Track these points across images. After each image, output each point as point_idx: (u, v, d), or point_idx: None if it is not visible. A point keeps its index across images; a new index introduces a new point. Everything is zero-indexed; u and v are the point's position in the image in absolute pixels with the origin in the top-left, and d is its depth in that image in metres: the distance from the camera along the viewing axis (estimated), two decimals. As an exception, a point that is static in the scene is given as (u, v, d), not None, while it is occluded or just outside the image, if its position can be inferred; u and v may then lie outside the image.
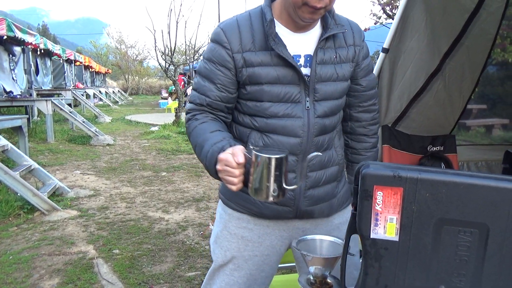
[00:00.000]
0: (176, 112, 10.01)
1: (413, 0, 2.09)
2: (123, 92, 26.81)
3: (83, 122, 8.18)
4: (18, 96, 7.96)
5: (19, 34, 8.22)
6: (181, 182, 5.07)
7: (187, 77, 17.55)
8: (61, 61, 14.44)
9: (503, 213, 0.64)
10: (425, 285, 0.70)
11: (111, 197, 4.34)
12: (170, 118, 11.23)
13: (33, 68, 10.73)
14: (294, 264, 1.54)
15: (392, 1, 5.22)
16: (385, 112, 2.45)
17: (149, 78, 33.13)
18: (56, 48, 12.91)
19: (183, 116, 10.61)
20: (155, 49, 9.84)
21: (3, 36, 7.79)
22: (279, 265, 1.36)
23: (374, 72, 2.11)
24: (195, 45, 10.75)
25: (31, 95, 9.58)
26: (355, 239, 0.76)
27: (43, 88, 11.93)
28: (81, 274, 2.52)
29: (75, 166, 5.84)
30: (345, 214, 1.30)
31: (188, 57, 12.35)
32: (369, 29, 5.25)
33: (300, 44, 1.15)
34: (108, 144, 7.74)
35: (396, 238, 0.69)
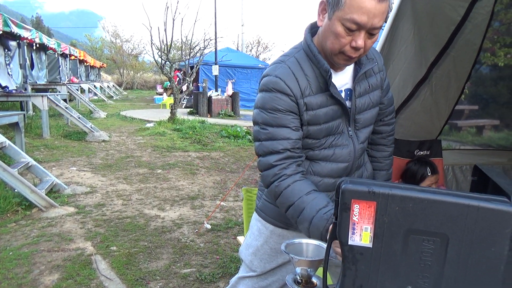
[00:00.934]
0: (171, 109, 10.05)
1: (402, 11, 2.19)
2: (117, 87, 26.75)
3: (79, 118, 8.21)
4: (14, 91, 7.97)
5: (15, 29, 8.22)
6: (176, 180, 5.16)
7: (182, 73, 17.58)
8: (56, 55, 14.40)
9: (460, 224, 0.75)
10: (394, 286, 0.80)
11: (107, 194, 4.42)
12: (165, 114, 11.27)
13: (28, 62, 10.72)
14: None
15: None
16: (374, 118, 2.55)
17: (144, 73, 33.07)
18: (51, 43, 12.88)
19: (178, 113, 10.67)
20: (151, 46, 9.85)
21: (-1, 31, 7.79)
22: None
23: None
24: (191, 42, 10.77)
25: (26, 89, 9.58)
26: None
27: (38, 82, 11.90)
28: (80, 270, 2.62)
29: (71, 163, 5.90)
30: None
31: (184, 53, 12.39)
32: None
33: (340, 80, 1.26)
34: (103, 140, 7.79)
35: (370, 245, 0.80)
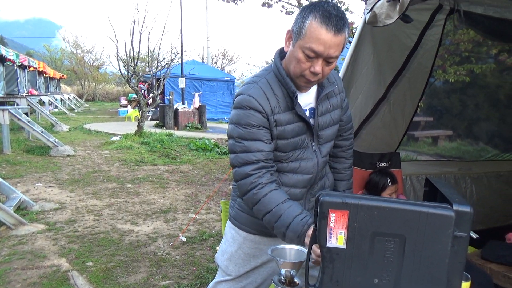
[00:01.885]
0: (138, 122, 9.98)
1: (362, 38, 2.44)
2: (78, 99, 25.99)
3: (42, 132, 8.00)
4: (-29, 105, 7.67)
5: (-27, 41, 7.92)
6: (147, 194, 5.18)
7: (146, 85, 17.41)
8: (15, 67, 13.90)
9: (414, 227, 0.94)
10: (364, 279, 0.98)
11: (77, 210, 4.38)
12: (131, 127, 11.15)
13: (-15, 74, 10.30)
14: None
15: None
16: (340, 133, 2.78)
17: (107, 84, 32.32)
18: (9, 54, 12.45)
19: (145, 126, 10.60)
20: (117, 59, 9.79)
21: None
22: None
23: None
24: (158, 55, 10.79)
25: (-17, 103, 9.21)
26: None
27: (-5, 95, 11.46)
28: (57, 286, 2.63)
29: (36, 178, 5.76)
30: None
31: (150, 66, 12.35)
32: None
33: (304, 100, 1.43)
34: (68, 155, 7.63)
35: (344, 246, 0.97)
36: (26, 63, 15.11)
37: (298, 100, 1.38)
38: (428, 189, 1.29)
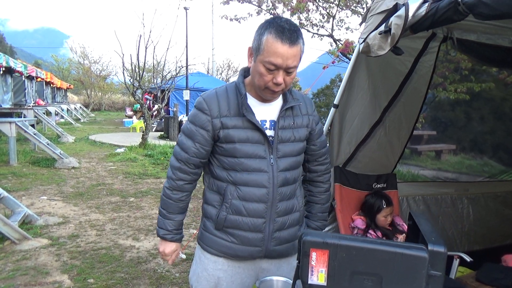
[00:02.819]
0: (143, 135, 10.10)
1: (357, 66, 2.52)
2: (84, 108, 26.31)
3: (48, 144, 8.13)
4: (-21, 117, 7.83)
5: (-18, 55, 8.13)
6: (149, 208, 5.25)
7: (152, 96, 17.61)
8: (23, 78, 14.15)
9: (390, 266, 1.00)
10: (344, 315, 1.04)
11: (80, 225, 4.46)
12: (135, 138, 11.29)
13: (-7, 86, 10.52)
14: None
15: (347, 49, 5.80)
16: (337, 155, 2.84)
17: (113, 94, 32.69)
18: (18, 66, 12.69)
19: (150, 138, 10.73)
20: (123, 72, 9.96)
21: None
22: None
23: (326, 123, 2.53)
24: (163, 69, 10.96)
25: (-9, 114, 9.39)
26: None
27: (3, 106, 11.65)
28: (59, 304, 2.70)
29: (41, 191, 5.86)
30: None
31: (155, 77, 12.52)
32: (327, 66, 5.80)
33: (266, 112, 1.51)
34: (73, 167, 7.74)
35: (325, 283, 1.03)
36: (34, 74, 15.38)
37: (259, 110, 1.47)
38: (411, 223, 1.34)
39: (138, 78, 9.77)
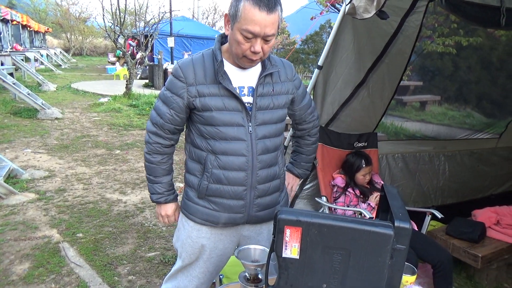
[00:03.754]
0: (127, 84, 9.88)
1: (343, 25, 2.47)
2: (65, 53, 25.29)
3: (28, 94, 7.92)
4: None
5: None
6: (135, 161, 5.29)
7: (136, 42, 16.99)
8: (-4, 22, 13.42)
9: (358, 242, 1.07)
10: (314, 284, 1.13)
11: (67, 178, 4.50)
12: (119, 87, 11.03)
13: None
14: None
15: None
16: (320, 115, 2.87)
17: (94, 38, 31.35)
18: (-10, 8, 11.96)
19: (134, 86, 10.51)
20: (103, 17, 9.50)
21: None
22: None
23: (310, 84, 2.53)
24: (146, 12, 10.48)
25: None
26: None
27: (-22, 52, 11.14)
28: (49, 258, 2.80)
29: (25, 144, 5.81)
30: None
31: (137, 21, 11.98)
32: (315, 17, 5.64)
33: (244, 78, 1.49)
34: (56, 118, 7.63)
35: (298, 257, 1.11)
36: (8, 17, 14.59)
37: (237, 77, 1.46)
38: (384, 194, 1.41)
39: (119, 25, 9.35)
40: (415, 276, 1.36)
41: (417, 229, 2.70)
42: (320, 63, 2.56)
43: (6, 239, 3.05)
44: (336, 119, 2.98)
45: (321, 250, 1.10)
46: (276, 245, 1.12)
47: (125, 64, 13.39)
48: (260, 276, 1.31)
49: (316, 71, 2.58)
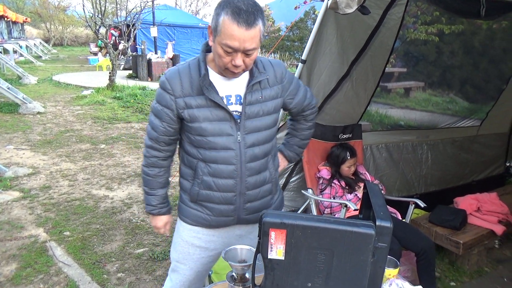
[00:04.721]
0: (110, 76, 9.71)
1: (326, 19, 2.47)
2: (45, 44, 24.65)
3: (8, 88, 7.73)
4: None
5: None
6: (121, 156, 5.25)
7: (118, 32, 16.65)
8: (-29, 13, 12.96)
9: (341, 242, 1.10)
10: (300, 283, 1.16)
11: (51, 175, 4.45)
12: (102, 78, 10.86)
13: None
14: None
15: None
16: (304, 109, 2.89)
17: (75, 28, 30.56)
18: (-36, -1, 11.54)
19: (117, 76, 10.33)
20: (83, 7, 9.27)
21: None
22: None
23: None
24: (127, 4, 10.27)
25: None
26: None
27: (-47, 45, 10.78)
28: (37, 258, 2.79)
29: (7, 140, 5.71)
30: None
31: (119, 9, 11.72)
32: (299, 6, 5.62)
33: (231, 86, 1.48)
34: (38, 112, 7.49)
35: (283, 258, 1.13)
36: (-16, 8, 14.08)
37: (223, 86, 1.45)
38: (366, 191, 1.44)
39: (100, 15, 9.15)
40: (397, 269, 1.41)
41: (401, 218, 2.77)
42: (303, 57, 2.56)
43: (-9, 239, 3.02)
44: (321, 111, 3.00)
45: (306, 251, 1.12)
46: (261, 247, 1.14)
47: (107, 55, 13.15)
48: (247, 276, 1.34)
49: (300, 65, 2.59)
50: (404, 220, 2.73)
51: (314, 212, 2.77)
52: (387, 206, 1.37)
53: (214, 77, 1.46)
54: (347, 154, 2.81)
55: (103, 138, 6.03)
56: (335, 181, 2.78)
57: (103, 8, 9.50)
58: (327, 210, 2.70)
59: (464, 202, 3.17)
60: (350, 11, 2.07)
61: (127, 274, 2.65)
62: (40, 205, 3.66)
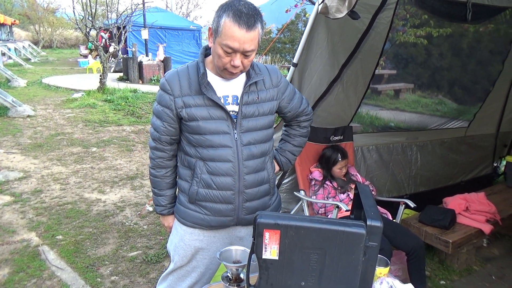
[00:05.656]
0: (100, 78, 9.66)
1: (316, 23, 2.52)
2: (34, 46, 24.40)
3: (-3, 91, 7.65)
4: None
5: None
6: (113, 159, 5.24)
7: (108, 34, 16.56)
8: (-41, 15, 12.78)
9: (333, 242, 1.14)
10: (293, 282, 1.19)
11: (43, 179, 4.42)
12: (93, 81, 10.78)
13: None
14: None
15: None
16: (296, 111, 2.92)
17: (64, 30, 30.30)
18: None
19: (109, 80, 10.28)
20: (73, 10, 9.22)
21: None
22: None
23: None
24: (118, 2, 10.23)
25: None
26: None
27: None
28: (29, 262, 2.77)
29: (-3, 144, 5.65)
30: None
31: (109, 11, 11.68)
32: (290, 9, 5.68)
33: (228, 87, 1.54)
34: (28, 116, 7.42)
35: (277, 258, 1.16)
36: (-29, 10, 13.91)
37: (221, 87, 1.51)
38: (358, 192, 1.48)
39: (90, 18, 9.11)
40: (388, 268, 1.45)
41: (391, 218, 2.82)
42: (295, 60, 2.61)
43: (-18, 244, 3.00)
44: (313, 114, 3.05)
45: (299, 251, 1.15)
46: (256, 247, 1.17)
47: (97, 57, 13.09)
48: (242, 276, 1.36)
49: (291, 68, 2.63)
50: (394, 220, 2.78)
51: (307, 213, 2.81)
52: (378, 207, 1.41)
53: (212, 78, 1.52)
54: (338, 156, 2.85)
55: (95, 141, 6.00)
56: (327, 182, 2.82)
57: (93, 10, 9.46)
58: (321, 210, 2.75)
59: (453, 202, 3.24)
60: (340, 15, 2.12)
61: (121, 277, 2.65)
62: (32, 209, 3.64)
